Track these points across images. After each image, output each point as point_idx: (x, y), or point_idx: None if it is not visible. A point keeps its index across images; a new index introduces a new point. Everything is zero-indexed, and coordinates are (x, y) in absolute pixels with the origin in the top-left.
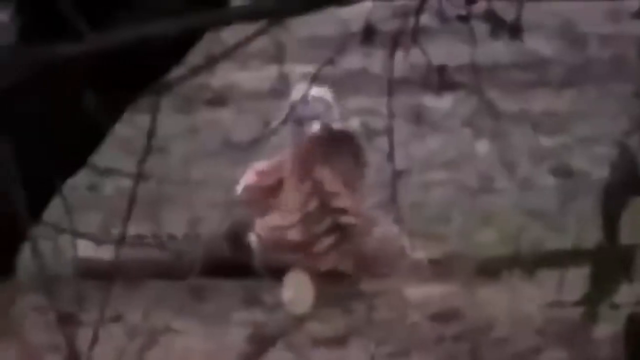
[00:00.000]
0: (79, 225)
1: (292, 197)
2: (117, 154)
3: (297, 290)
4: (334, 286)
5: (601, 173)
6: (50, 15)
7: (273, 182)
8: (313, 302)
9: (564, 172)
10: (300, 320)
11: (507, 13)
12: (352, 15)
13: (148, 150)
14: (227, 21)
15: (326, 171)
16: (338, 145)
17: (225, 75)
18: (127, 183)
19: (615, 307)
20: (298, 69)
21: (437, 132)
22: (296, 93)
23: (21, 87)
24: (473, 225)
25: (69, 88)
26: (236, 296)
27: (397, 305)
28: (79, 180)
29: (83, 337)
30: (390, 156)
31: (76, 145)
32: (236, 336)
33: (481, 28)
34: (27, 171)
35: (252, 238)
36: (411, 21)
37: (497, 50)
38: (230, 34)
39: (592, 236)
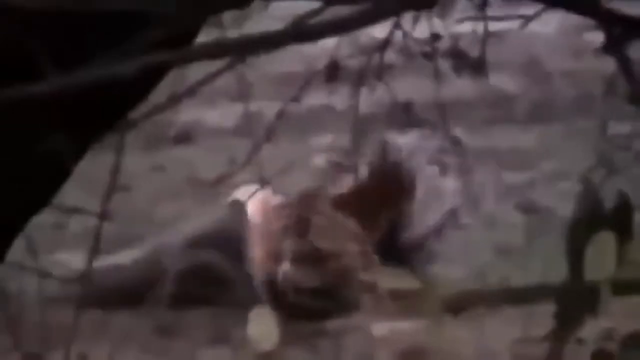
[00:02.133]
0: (45, 264)
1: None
2: (82, 192)
3: (262, 327)
4: (300, 323)
5: (566, 209)
6: (13, 54)
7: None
8: (278, 339)
9: (529, 208)
10: (266, 358)
11: (471, 50)
12: (317, 52)
13: (112, 188)
14: (191, 58)
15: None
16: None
17: (191, 113)
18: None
19: (581, 342)
20: (263, 106)
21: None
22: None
23: None
24: (439, 260)
25: (31, 126)
26: (203, 332)
27: (364, 343)
28: (44, 219)
29: None
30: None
31: (39, 184)
32: None
33: (446, 65)
34: None
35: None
36: (376, 58)
37: (462, 86)
38: (195, 71)
39: (557, 272)
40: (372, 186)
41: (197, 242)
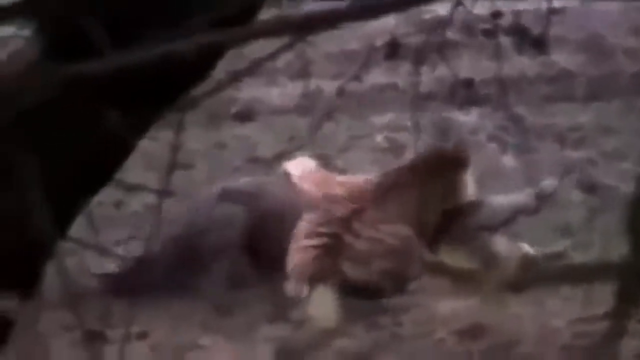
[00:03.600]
0: (105, 242)
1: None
2: (143, 170)
3: (322, 305)
4: (360, 301)
5: (627, 187)
6: (72, 33)
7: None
8: (338, 317)
9: (590, 187)
10: (326, 336)
11: (533, 27)
12: (378, 30)
13: (173, 166)
14: (251, 37)
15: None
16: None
17: (252, 91)
18: (153, 199)
19: None
20: (323, 84)
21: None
22: (293, 166)
23: (46, 105)
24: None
25: (93, 105)
26: (262, 311)
27: (423, 321)
28: (105, 196)
29: (109, 354)
30: None
31: (101, 162)
32: (262, 352)
33: (507, 42)
34: (53, 188)
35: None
36: (437, 35)
37: (523, 64)
38: (255, 50)
39: (618, 250)
40: (431, 165)
41: (229, 195)
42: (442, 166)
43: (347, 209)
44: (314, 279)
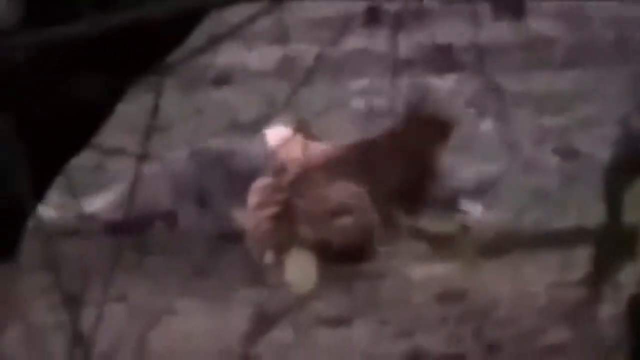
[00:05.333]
0: (84, 204)
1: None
2: (122, 134)
3: (299, 269)
4: (337, 265)
5: (604, 153)
6: None
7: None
8: (316, 281)
9: (567, 153)
10: (303, 300)
11: None
12: None
13: (151, 130)
14: (229, 1)
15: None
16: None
17: (230, 56)
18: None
19: (618, 286)
20: (302, 50)
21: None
22: (272, 133)
23: (23, 68)
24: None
25: (71, 68)
26: (239, 275)
27: (400, 286)
28: (84, 160)
29: (87, 317)
30: None
31: (79, 125)
32: (239, 315)
33: (485, 8)
34: (30, 151)
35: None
36: (415, 1)
37: (500, 30)
38: (234, 14)
39: (595, 216)
40: (409, 130)
41: (201, 157)
42: (425, 133)
43: (294, 173)
44: (275, 247)
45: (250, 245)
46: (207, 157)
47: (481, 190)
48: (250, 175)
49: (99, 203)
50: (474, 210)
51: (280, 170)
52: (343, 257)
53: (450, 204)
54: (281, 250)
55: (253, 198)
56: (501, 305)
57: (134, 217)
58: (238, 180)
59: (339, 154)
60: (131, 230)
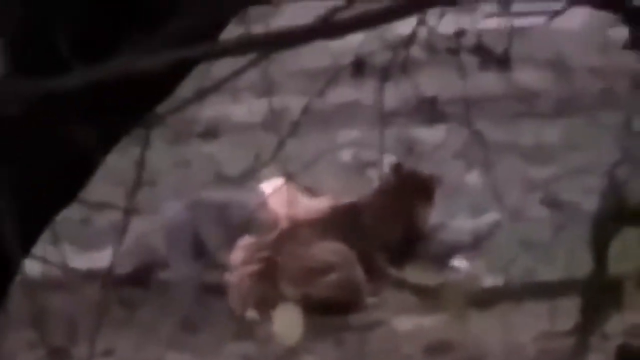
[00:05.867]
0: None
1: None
2: (109, 187)
3: (286, 321)
4: (325, 318)
5: (591, 204)
6: (41, 48)
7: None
8: (303, 333)
9: (554, 203)
10: (291, 353)
11: (496, 46)
12: (343, 48)
13: (138, 183)
14: (217, 54)
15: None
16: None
17: (217, 108)
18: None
19: (606, 336)
20: (289, 102)
21: (428, 164)
22: (267, 186)
23: (11, 120)
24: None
25: (59, 120)
26: (228, 328)
27: (389, 337)
28: (71, 213)
29: None
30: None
31: (67, 177)
32: None
33: (471, 60)
34: (18, 204)
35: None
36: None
37: (487, 82)
38: (221, 67)
39: (582, 266)
40: (394, 190)
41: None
42: (411, 192)
43: (281, 229)
44: (256, 303)
45: (233, 300)
46: (201, 208)
47: (469, 242)
48: (243, 227)
49: (87, 257)
50: (461, 263)
51: (271, 224)
52: (329, 310)
53: (437, 257)
54: (263, 306)
55: (237, 255)
56: (490, 356)
57: (125, 271)
58: (232, 231)
59: (326, 214)
60: (122, 283)
